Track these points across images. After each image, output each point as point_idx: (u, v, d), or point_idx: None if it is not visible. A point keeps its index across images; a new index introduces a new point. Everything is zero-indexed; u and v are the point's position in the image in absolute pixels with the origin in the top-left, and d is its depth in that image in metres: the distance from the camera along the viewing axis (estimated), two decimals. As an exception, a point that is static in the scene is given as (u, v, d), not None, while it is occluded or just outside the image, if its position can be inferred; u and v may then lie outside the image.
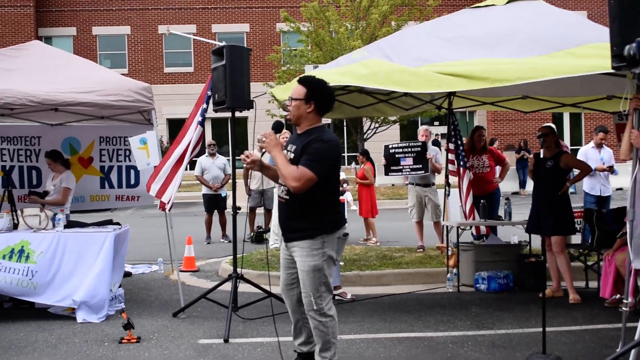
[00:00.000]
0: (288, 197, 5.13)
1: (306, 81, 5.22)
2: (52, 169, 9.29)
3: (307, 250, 5.08)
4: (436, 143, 20.55)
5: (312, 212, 5.08)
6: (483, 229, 9.90)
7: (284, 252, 5.37)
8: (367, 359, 6.00)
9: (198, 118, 7.84)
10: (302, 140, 5.10)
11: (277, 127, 5.28)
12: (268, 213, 13.30)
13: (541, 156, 7.25)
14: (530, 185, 23.92)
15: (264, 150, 5.18)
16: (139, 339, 6.67)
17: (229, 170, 13.66)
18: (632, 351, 4.80)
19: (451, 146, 9.92)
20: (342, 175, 14.20)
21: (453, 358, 6.01)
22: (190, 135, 7.84)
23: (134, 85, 8.30)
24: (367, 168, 13.14)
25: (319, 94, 5.15)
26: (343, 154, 32.41)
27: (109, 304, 7.68)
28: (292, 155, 5.11)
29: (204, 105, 7.87)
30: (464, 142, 10.19)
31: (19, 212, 8.17)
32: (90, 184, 10.30)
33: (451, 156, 9.95)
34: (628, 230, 5.57)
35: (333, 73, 7.33)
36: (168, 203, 7.82)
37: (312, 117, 5.15)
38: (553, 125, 9.46)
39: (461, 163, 9.80)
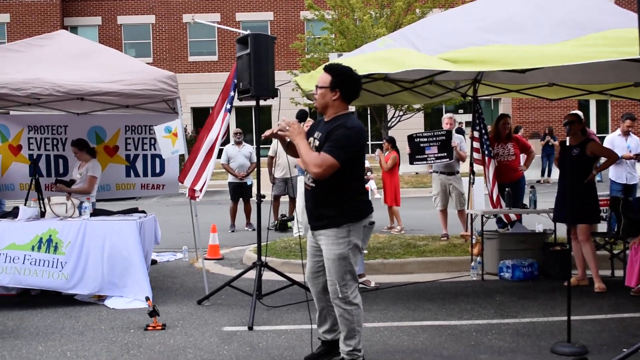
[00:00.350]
0: (314, 185, 5.15)
1: (331, 69, 5.22)
2: (78, 157, 9.37)
3: (333, 239, 5.09)
4: (460, 131, 20.44)
5: (337, 200, 5.09)
6: (513, 216, 9.85)
7: (310, 240, 5.39)
8: (391, 347, 6.01)
9: (227, 106, 7.89)
10: (327, 127, 5.11)
11: (302, 116, 5.28)
12: (292, 201, 13.33)
13: (567, 144, 7.20)
14: (555, 173, 23.87)
15: (288, 139, 5.19)
16: (164, 326, 6.74)
17: (255, 159, 13.69)
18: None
19: (476, 134, 9.87)
20: (366, 164, 14.17)
21: (477, 346, 6.00)
22: (219, 123, 7.90)
23: (158, 74, 8.34)
24: (393, 156, 13.07)
25: (344, 82, 5.14)
26: (367, 142, 32.30)
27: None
28: (317, 143, 5.12)
29: (232, 93, 7.90)
30: (489, 130, 10.14)
31: (46, 200, 8.27)
32: (115, 173, 10.38)
33: (476, 144, 9.90)
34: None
35: (360, 61, 7.30)
36: (201, 192, 7.89)
37: (337, 104, 5.15)
38: (580, 113, 9.37)
39: (486, 152, 9.75)
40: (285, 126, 5.08)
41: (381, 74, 7.97)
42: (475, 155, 9.89)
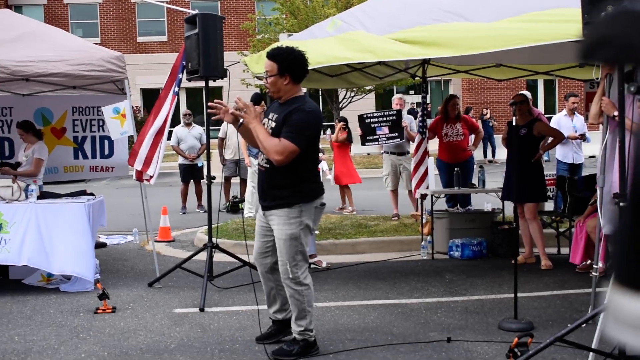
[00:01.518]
0: (268, 166, 5.16)
1: (275, 55, 5.18)
2: (24, 139, 9.18)
3: (285, 219, 5.11)
4: (412, 112, 20.61)
5: (292, 181, 5.12)
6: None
7: (260, 219, 5.40)
8: (342, 326, 6.06)
9: (175, 89, 7.80)
10: (283, 110, 5.11)
11: (256, 100, 5.27)
12: (243, 183, 13.29)
13: (514, 124, 7.31)
14: (501, 153, 24.21)
15: (241, 120, 5.18)
16: (114, 309, 6.69)
17: (205, 140, 13.60)
18: (601, 315, 4.89)
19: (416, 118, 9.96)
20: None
21: (427, 324, 6.09)
22: (168, 106, 7.80)
23: (106, 54, 8.21)
24: (342, 138, 13.10)
25: (291, 65, 5.13)
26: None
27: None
28: (272, 124, 5.12)
29: (180, 75, 7.82)
30: (438, 110, 10.24)
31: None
32: (63, 155, 10.21)
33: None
34: (598, 196, 5.67)
35: (312, 50, 7.29)
36: (153, 176, 7.83)
37: (290, 88, 5.15)
38: (527, 93, 9.53)
39: (419, 129, 9.83)
40: (243, 107, 5.06)
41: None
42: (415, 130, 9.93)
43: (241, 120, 5.24)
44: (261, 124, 5.09)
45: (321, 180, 5.46)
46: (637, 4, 1.07)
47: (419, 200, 10.07)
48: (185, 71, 7.71)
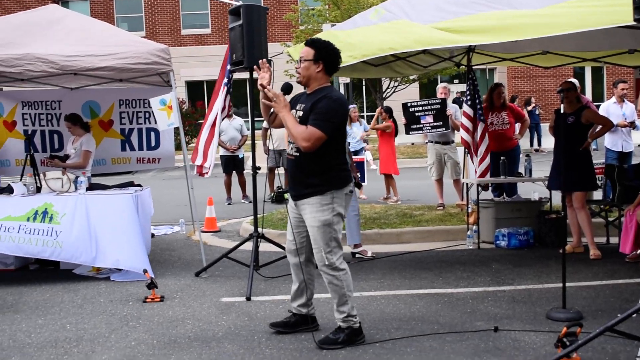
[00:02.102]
0: (298, 154, 5.22)
1: (314, 42, 5.32)
2: (72, 132, 9.34)
3: (317, 206, 5.17)
4: (457, 101, 20.44)
5: (321, 169, 5.18)
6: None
7: (292, 211, 5.44)
8: (388, 315, 6.06)
9: (225, 80, 7.95)
10: (310, 99, 5.18)
11: (287, 89, 5.32)
12: (287, 173, 13.33)
13: (562, 112, 7.19)
14: (546, 142, 23.86)
15: (302, 107, 5.24)
16: (162, 298, 6.79)
17: (246, 132, 13.71)
18: (652, 304, 4.81)
19: (466, 109, 9.71)
20: (364, 136, 14.17)
21: (473, 313, 6.06)
22: (222, 99, 7.97)
23: (151, 47, 8.30)
24: (387, 125, 13.09)
25: (326, 55, 5.24)
26: (362, 114, 32.19)
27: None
28: (300, 114, 5.19)
29: (228, 67, 7.91)
30: (483, 99, 10.13)
31: (41, 175, 8.26)
32: (111, 147, 10.37)
33: (467, 109, 9.75)
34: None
35: (356, 42, 7.27)
36: (209, 169, 8.11)
37: (320, 76, 5.25)
38: (575, 81, 9.36)
39: (481, 118, 9.65)
40: (272, 96, 5.12)
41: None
42: (465, 122, 9.73)
43: (272, 110, 5.30)
44: (290, 112, 5.14)
45: (349, 169, 5.48)
46: None
47: (465, 190, 9.98)
48: (229, 62, 7.78)
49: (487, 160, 9.60)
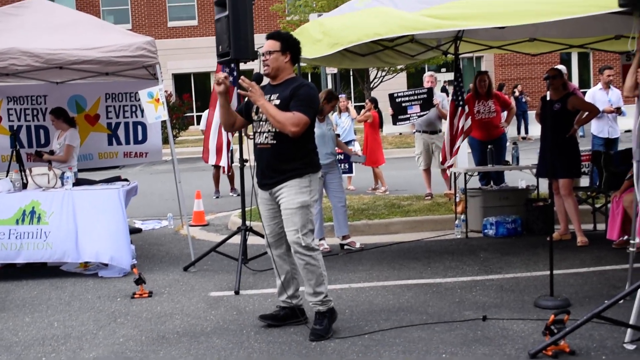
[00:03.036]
0: (275, 142, 5.29)
1: (277, 35, 5.47)
2: (56, 126, 9.27)
3: (296, 189, 5.26)
4: (444, 90, 20.42)
5: (300, 154, 5.31)
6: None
7: (265, 203, 5.49)
8: (377, 306, 6.06)
9: (230, 79, 7.93)
10: (283, 89, 5.30)
11: (258, 79, 5.41)
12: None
13: (548, 98, 7.21)
14: (533, 130, 23.92)
15: (269, 97, 5.31)
16: (150, 294, 6.76)
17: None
18: (639, 290, 4.83)
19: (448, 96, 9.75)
20: (352, 126, 14.16)
21: (462, 303, 6.07)
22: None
23: (137, 40, 8.25)
24: (368, 115, 13.12)
25: (292, 45, 5.43)
26: (349, 104, 32.11)
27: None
28: (277, 102, 5.26)
29: (217, 59, 7.87)
30: (469, 87, 10.13)
31: (27, 171, 8.21)
32: (98, 142, 10.30)
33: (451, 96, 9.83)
34: (635, 171, 5.57)
35: (341, 28, 7.24)
36: (227, 167, 8.43)
37: (289, 67, 5.42)
38: (562, 67, 9.36)
39: (461, 102, 9.66)
40: (248, 86, 5.17)
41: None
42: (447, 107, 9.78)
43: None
44: (268, 101, 5.22)
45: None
46: None
47: (452, 179, 10.00)
48: (216, 54, 7.74)
49: (458, 143, 9.66)
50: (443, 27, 6.76)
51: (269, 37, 5.44)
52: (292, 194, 5.25)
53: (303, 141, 5.27)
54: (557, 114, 8.22)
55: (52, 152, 9.14)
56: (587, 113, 8.64)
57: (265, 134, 5.33)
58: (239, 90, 5.36)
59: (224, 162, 8.30)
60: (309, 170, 5.32)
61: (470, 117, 9.72)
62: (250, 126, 5.65)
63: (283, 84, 5.35)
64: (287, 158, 5.28)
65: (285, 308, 5.64)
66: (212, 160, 8.39)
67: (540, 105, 8.61)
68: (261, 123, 5.36)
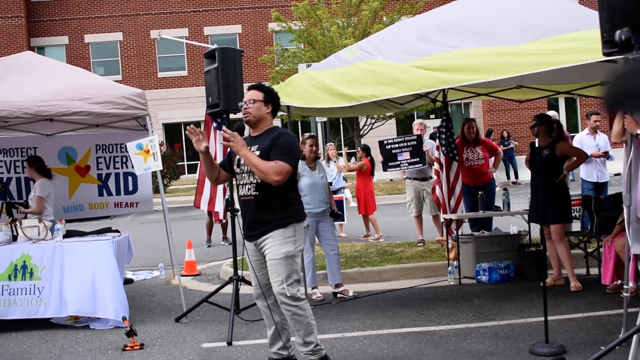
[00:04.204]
0: (257, 193, 5.30)
1: (260, 86, 5.58)
2: (30, 175, 9.16)
3: (280, 239, 5.25)
4: (433, 137, 20.54)
5: (283, 204, 5.32)
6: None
7: (253, 254, 5.49)
8: (371, 356, 6.00)
9: (214, 124, 8.01)
10: (263, 139, 5.34)
11: (241, 129, 5.49)
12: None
13: (537, 145, 7.26)
14: (523, 174, 24.03)
15: (229, 150, 5.40)
16: (142, 346, 6.68)
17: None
18: (635, 336, 4.81)
19: (436, 142, 9.85)
20: (342, 173, 14.23)
21: (456, 351, 6.02)
22: (213, 142, 8.00)
23: (127, 91, 8.29)
24: (362, 163, 13.17)
25: (273, 98, 5.53)
26: (340, 151, 32.31)
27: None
28: (257, 152, 5.28)
29: (207, 110, 7.94)
30: (457, 135, 10.21)
31: (17, 223, 8.16)
32: (88, 192, 10.29)
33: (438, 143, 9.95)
34: (625, 215, 5.59)
35: (336, 86, 7.31)
36: (221, 212, 8.27)
37: (269, 118, 5.49)
38: (553, 113, 9.46)
39: (444, 151, 9.75)
40: (230, 136, 5.20)
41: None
42: (436, 154, 9.88)
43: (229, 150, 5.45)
44: (250, 152, 5.23)
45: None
46: None
47: (444, 226, 10.01)
48: (206, 105, 7.80)
49: (459, 194, 9.73)
50: (437, 85, 6.85)
51: (252, 88, 5.52)
52: (276, 244, 5.24)
53: (285, 191, 5.29)
54: (546, 160, 8.28)
55: (26, 203, 9.04)
56: (575, 158, 8.69)
57: (247, 186, 5.35)
58: (222, 142, 5.40)
59: (218, 208, 8.26)
60: (292, 220, 5.32)
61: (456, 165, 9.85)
62: None
63: (262, 134, 5.40)
64: (270, 209, 5.28)
65: None
66: (204, 205, 8.37)
67: (529, 151, 8.66)
68: (243, 175, 5.39)
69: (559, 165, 8.37)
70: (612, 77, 4.60)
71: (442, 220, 10.48)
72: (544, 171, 8.19)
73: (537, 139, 6.69)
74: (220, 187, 8.11)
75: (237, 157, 5.38)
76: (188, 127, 5.36)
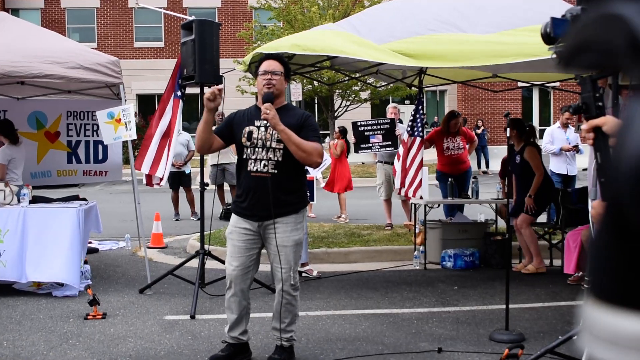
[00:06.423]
0: (276, 171, 5.00)
1: (280, 58, 5.28)
2: None
3: (292, 225, 5.08)
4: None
5: (298, 186, 5.20)
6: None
7: (246, 233, 5.11)
8: (333, 335, 6.04)
9: (177, 92, 7.89)
10: (282, 116, 4.91)
11: (269, 100, 5.04)
12: (234, 189, 13.27)
13: (515, 148, 7.49)
14: (494, 164, 24.29)
15: (267, 123, 4.98)
16: (104, 315, 6.65)
17: (193, 147, 13.56)
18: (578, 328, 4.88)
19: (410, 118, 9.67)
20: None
21: (418, 334, 6.08)
22: (171, 109, 7.89)
23: (101, 58, 8.19)
24: (340, 143, 13.19)
25: (288, 73, 5.28)
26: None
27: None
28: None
29: (179, 81, 7.86)
30: (434, 121, 10.27)
31: (-17, 187, 8.06)
32: (57, 159, 10.17)
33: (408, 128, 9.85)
34: (590, 209, 5.65)
35: (312, 39, 7.29)
36: (163, 178, 8.03)
37: (284, 93, 5.27)
38: (530, 122, 9.50)
39: (417, 132, 9.65)
40: (267, 109, 4.85)
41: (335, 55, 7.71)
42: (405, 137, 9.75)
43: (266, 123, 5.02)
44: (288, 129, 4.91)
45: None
46: (615, 6, 1.06)
47: (412, 210, 10.06)
48: (180, 77, 7.73)
49: (419, 176, 9.66)
50: (406, 62, 6.86)
51: (271, 57, 5.21)
52: (287, 230, 5.03)
53: (301, 173, 5.20)
54: (519, 166, 8.52)
55: None
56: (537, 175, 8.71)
57: (264, 162, 4.99)
58: (263, 116, 4.86)
59: (159, 173, 8.07)
60: (302, 205, 5.22)
61: (423, 147, 9.71)
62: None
63: (282, 109, 5.06)
64: (286, 190, 5.04)
65: (233, 345, 5.29)
66: (146, 168, 8.13)
67: (508, 152, 8.74)
68: (257, 149, 5.01)
69: (531, 169, 8.57)
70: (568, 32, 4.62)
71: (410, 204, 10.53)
72: (518, 175, 8.54)
73: (510, 141, 6.79)
74: (165, 152, 7.93)
75: (248, 129, 5.04)
76: (213, 88, 4.91)
